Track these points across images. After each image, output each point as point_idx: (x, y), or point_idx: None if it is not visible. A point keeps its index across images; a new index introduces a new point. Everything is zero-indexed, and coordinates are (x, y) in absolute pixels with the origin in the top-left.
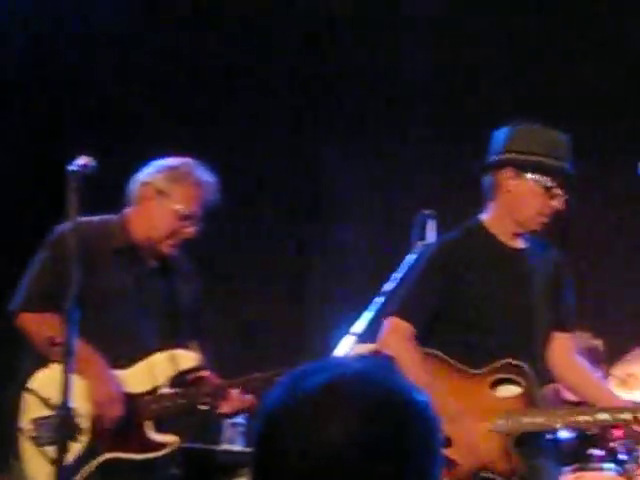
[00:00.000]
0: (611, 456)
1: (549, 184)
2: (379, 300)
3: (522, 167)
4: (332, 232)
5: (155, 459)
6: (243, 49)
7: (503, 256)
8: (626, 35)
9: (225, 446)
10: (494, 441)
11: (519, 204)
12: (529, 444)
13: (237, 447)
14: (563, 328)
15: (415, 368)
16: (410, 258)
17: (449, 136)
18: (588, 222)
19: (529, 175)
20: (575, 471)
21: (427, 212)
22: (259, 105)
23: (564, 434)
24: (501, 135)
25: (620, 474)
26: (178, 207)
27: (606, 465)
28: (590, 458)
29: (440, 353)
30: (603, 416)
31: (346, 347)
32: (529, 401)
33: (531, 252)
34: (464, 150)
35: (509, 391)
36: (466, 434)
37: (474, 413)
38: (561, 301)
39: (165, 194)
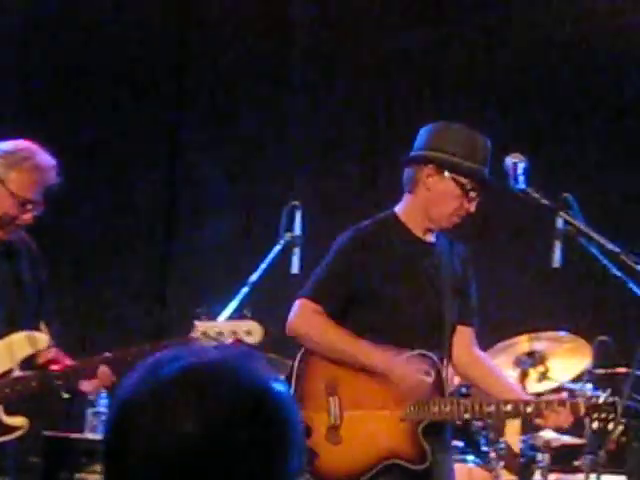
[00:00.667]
0: (473, 447)
1: (468, 186)
2: (244, 290)
3: (444, 166)
4: (196, 223)
5: (7, 444)
6: (100, 33)
7: (415, 249)
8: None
9: (87, 434)
10: (404, 429)
11: (436, 202)
12: (435, 437)
13: (99, 435)
14: (466, 323)
15: (332, 332)
16: (276, 249)
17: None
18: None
19: (450, 175)
20: None
21: (295, 203)
22: (116, 88)
23: None
24: (426, 132)
25: (481, 465)
26: (16, 193)
27: (468, 457)
28: (453, 450)
29: None
30: (507, 408)
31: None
32: (438, 391)
33: (440, 247)
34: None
35: None
36: (373, 423)
37: (385, 401)
38: (466, 296)
39: (1, 180)
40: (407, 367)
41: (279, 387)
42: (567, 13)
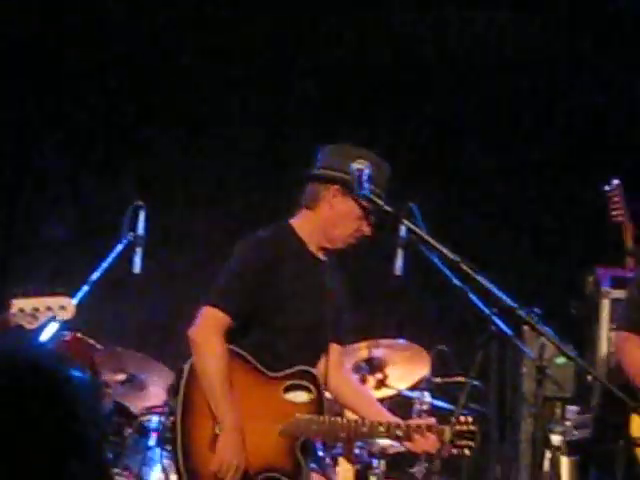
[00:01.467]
0: (310, 451)
1: (369, 209)
2: (85, 289)
3: (350, 188)
4: (37, 221)
5: None
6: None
7: (308, 264)
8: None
9: None
10: (282, 443)
11: (337, 222)
12: (308, 452)
13: None
14: (339, 341)
15: (213, 368)
16: (119, 248)
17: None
18: None
19: (353, 197)
20: None
21: (139, 203)
22: None
23: None
24: (332, 151)
25: (316, 470)
26: None
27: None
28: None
29: (243, 352)
30: (380, 429)
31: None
32: (318, 408)
33: (327, 265)
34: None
35: (300, 397)
36: (252, 436)
37: (266, 415)
38: (342, 314)
39: None
40: (234, 447)
41: (75, 373)
42: None
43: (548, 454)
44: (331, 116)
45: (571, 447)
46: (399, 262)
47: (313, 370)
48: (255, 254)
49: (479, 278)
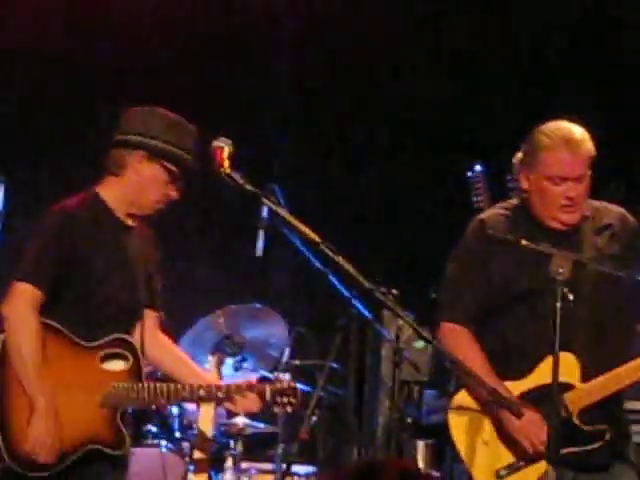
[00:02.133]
0: (166, 433)
1: (175, 174)
2: None
3: (154, 153)
4: None
5: None
6: None
7: (116, 231)
8: None
9: None
10: (102, 414)
11: (143, 188)
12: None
13: None
14: (154, 307)
15: (26, 348)
16: None
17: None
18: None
19: (159, 162)
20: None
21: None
22: None
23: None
24: (135, 115)
25: (174, 451)
26: None
27: (162, 442)
28: (146, 434)
29: (56, 324)
30: (201, 392)
31: None
32: (136, 376)
33: (137, 231)
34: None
35: (118, 365)
36: (71, 409)
37: (84, 387)
38: (154, 281)
39: None
40: (47, 427)
41: None
42: None
43: (404, 437)
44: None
45: (427, 430)
46: (260, 243)
47: (129, 337)
48: (59, 224)
49: (338, 259)
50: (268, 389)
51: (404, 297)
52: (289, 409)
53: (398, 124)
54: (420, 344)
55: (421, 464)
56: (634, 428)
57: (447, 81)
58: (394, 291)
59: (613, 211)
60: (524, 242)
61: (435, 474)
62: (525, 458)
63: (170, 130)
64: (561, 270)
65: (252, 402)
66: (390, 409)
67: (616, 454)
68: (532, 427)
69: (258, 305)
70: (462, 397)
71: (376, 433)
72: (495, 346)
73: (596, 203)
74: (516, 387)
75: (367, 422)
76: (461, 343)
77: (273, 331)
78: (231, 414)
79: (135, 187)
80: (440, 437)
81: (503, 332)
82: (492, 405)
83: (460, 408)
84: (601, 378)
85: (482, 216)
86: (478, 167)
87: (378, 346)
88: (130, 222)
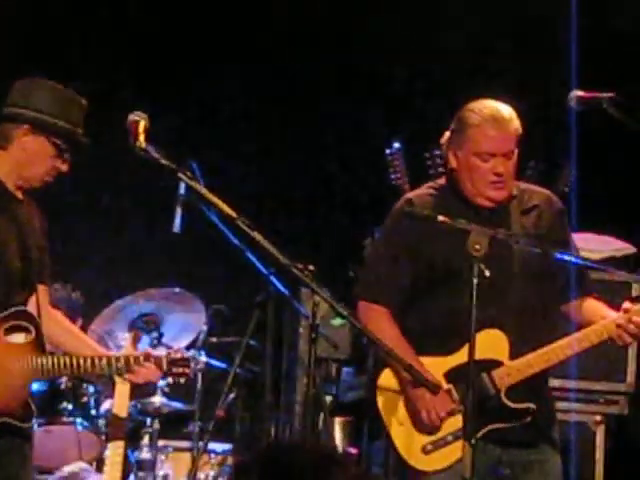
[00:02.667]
0: (81, 410)
1: (62, 147)
2: None
3: (40, 127)
4: None
5: None
6: None
7: (7, 204)
8: None
9: None
10: (9, 387)
11: (30, 162)
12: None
13: None
14: (44, 281)
15: None
16: None
17: None
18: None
19: (44, 136)
20: (44, 425)
21: None
22: None
23: (35, 386)
24: (21, 88)
25: (90, 429)
26: None
27: (77, 420)
28: (62, 412)
29: None
30: (103, 363)
31: None
32: (38, 347)
33: (27, 204)
34: None
35: (20, 338)
36: None
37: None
38: (43, 255)
39: None
40: None
41: None
42: None
43: (322, 415)
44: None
45: (345, 408)
46: (178, 219)
47: (29, 309)
48: None
49: (255, 235)
50: (164, 359)
51: (322, 275)
52: (182, 380)
53: (317, 112)
54: (338, 321)
55: (338, 441)
56: (558, 405)
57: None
58: (311, 267)
59: (540, 192)
60: (441, 218)
61: (352, 451)
62: (453, 433)
63: (56, 103)
64: (477, 246)
65: (151, 372)
66: (307, 386)
67: (541, 432)
68: (435, 400)
69: (177, 289)
70: (387, 375)
71: (293, 411)
72: (423, 325)
73: (523, 185)
74: (442, 364)
75: (285, 400)
76: (379, 321)
77: (191, 314)
78: (145, 393)
79: (21, 161)
80: (358, 414)
81: (430, 311)
82: (407, 382)
83: (385, 386)
84: (530, 356)
85: (409, 195)
86: (396, 145)
87: (296, 323)
88: (20, 195)
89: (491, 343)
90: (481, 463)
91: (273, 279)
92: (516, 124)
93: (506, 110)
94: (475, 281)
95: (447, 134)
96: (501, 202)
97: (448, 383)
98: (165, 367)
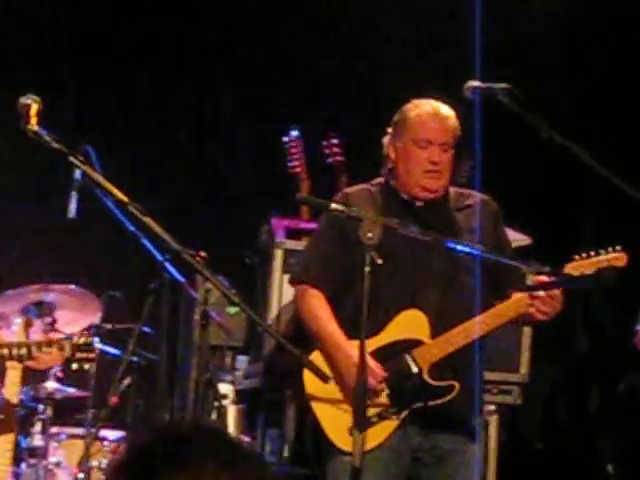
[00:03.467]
0: None
1: None
2: None
3: None
4: None
5: None
6: None
7: None
8: None
9: None
10: None
11: None
12: None
13: None
14: None
15: None
16: None
17: None
18: None
19: None
20: None
21: None
22: None
23: None
24: None
25: None
26: None
27: None
28: None
29: None
30: (3, 351)
31: None
32: None
33: None
34: None
35: None
36: None
37: None
38: None
39: None
40: None
41: None
42: None
43: (216, 403)
44: None
45: (240, 396)
46: (73, 205)
47: None
48: None
49: (146, 220)
50: (67, 344)
51: (218, 262)
52: (87, 366)
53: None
54: (234, 309)
55: (232, 430)
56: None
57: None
58: (202, 253)
59: (476, 196)
60: (334, 206)
61: (246, 440)
62: (378, 414)
63: None
64: (370, 234)
65: (54, 358)
66: (200, 374)
67: (462, 419)
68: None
69: (72, 286)
70: (316, 356)
71: (188, 398)
72: (353, 311)
73: (459, 189)
74: (370, 344)
75: (179, 387)
76: (313, 305)
77: (85, 303)
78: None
79: None
80: (253, 402)
81: (359, 298)
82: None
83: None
84: (449, 333)
85: (347, 190)
86: (294, 132)
87: (190, 310)
88: None
89: (411, 323)
90: (402, 450)
91: (168, 266)
92: (455, 123)
93: (446, 109)
94: (367, 269)
95: (388, 130)
96: (436, 192)
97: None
98: (68, 352)
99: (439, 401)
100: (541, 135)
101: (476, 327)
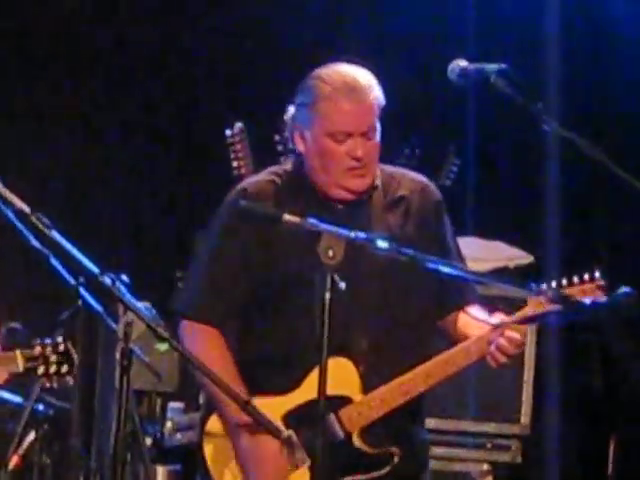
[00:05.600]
0: None
1: None
2: None
3: None
4: None
5: None
6: None
7: None
8: None
9: None
10: None
11: None
12: None
13: None
14: None
15: None
16: None
17: None
18: None
19: None
20: None
21: None
22: None
23: None
24: None
25: None
26: None
27: None
28: None
29: None
30: None
31: None
32: None
33: None
34: None
35: None
36: None
37: None
38: None
39: None
40: None
41: None
42: None
43: (141, 462)
44: None
45: (171, 454)
46: None
47: None
48: None
49: (53, 235)
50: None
51: (145, 285)
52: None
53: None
54: (165, 346)
55: None
56: (434, 451)
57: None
58: (124, 277)
59: (411, 180)
60: (287, 217)
61: None
62: None
63: None
64: (331, 253)
65: None
66: (119, 427)
67: None
68: (275, 450)
69: None
70: (214, 421)
71: (106, 457)
72: (259, 355)
73: (390, 169)
74: (280, 405)
75: (96, 443)
76: (205, 347)
77: None
78: None
79: None
80: (187, 462)
81: (266, 334)
82: (235, 428)
83: (214, 432)
84: (384, 388)
85: (245, 185)
86: (238, 124)
87: (111, 347)
88: None
89: (339, 375)
90: None
91: (83, 291)
92: (376, 92)
93: (362, 76)
94: (328, 296)
95: (291, 109)
96: (362, 193)
97: (288, 428)
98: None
99: (375, 474)
100: (541, 126)
101: (419, 381)
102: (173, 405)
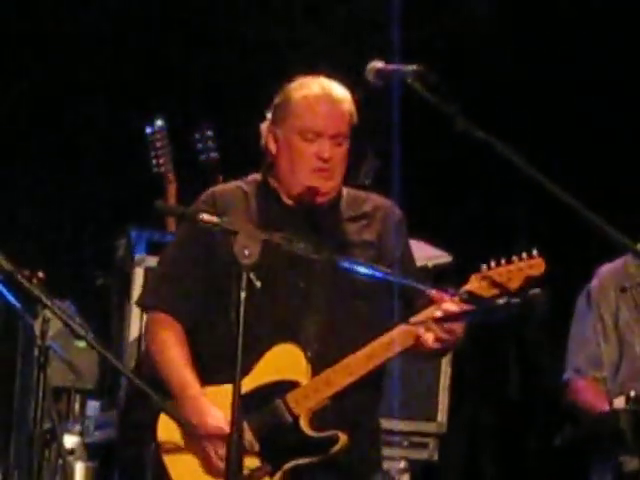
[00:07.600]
0: None
1: None
2: None
3: None
4: None
5: None
6: None
7: None
8: None
9: None
10: None
11: None
12: None
13: None
14: None
15: None
16: None
17: None
18: None
19: None
20: None
21: None
22: None
23: None
24: None
25: None
26: None
27: None
28: None
29: None
30: None
31: None
32: None
33: None
34: None
35: None
36: None
37: None
38: None
39: None
40: None
41: None
42: None
43: (59, 459)
44: None
45: (90, 450)
46: None
47: None
48: None
49: None
50: None
51: (64, 283)
52: None
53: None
54: (84, 343)
55: None
56: (387, 452)
57: None
58: (40, 274)
59: (376, 200)
60: (204, 216)
61: None
62: (247, 476)
63: None
64: (247, 251)
65: None
66: (36, 424)
67: (355, 478)
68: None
69: None
70: (164, 424)
71: (23, 453)
72: (208, 346)
73: (356, 191)
74: (229, 393)
75: (15, 441)
76: (164, 338)
77: None
78: None
79: None
80: (106, 459)
81: (217, 329)
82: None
83: (166, 439)
84: (329, 370)
85: (216, 189)
86: (159, 122)
87: (30, 344)
88: None
89: (287, 361)
90: None
91: (1, 289)
92: (350, 106)
93: (339, 89)
94: (243, 295)
95: (267, 116)
96: (325, 195)
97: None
98: None
99: (315, 458)
100: (456, 128)
101: (363, 361)
102: (92, 403)
